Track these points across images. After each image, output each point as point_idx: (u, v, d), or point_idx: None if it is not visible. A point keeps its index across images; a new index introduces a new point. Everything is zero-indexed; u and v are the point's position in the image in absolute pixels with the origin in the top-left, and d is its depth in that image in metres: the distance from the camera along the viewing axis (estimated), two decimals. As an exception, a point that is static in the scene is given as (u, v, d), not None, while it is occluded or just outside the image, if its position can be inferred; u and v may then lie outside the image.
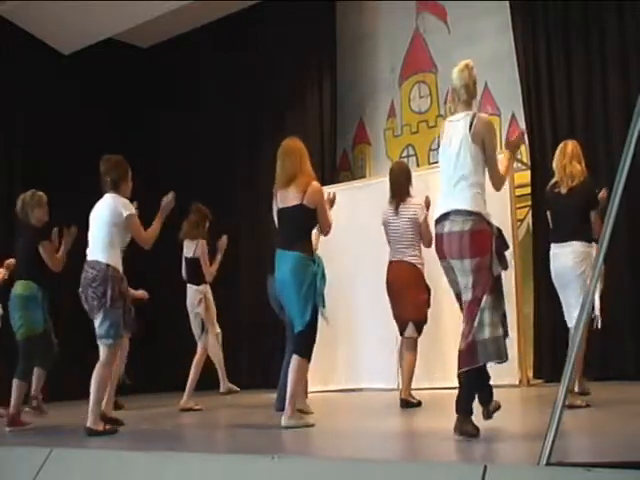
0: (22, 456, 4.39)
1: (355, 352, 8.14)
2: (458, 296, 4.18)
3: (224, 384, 7.29)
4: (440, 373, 7.15)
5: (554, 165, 5.61)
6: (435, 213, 4.24)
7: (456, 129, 4.19)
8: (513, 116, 8.44)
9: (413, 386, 7.33)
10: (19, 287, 6.26)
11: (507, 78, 8.33)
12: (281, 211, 5.08)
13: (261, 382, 8.87)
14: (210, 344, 7.13)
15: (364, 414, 5.60)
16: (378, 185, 8.20)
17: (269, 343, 8.32)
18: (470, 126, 4.13)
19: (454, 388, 6.55)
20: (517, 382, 7.07)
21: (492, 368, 7.27)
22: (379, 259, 7.54)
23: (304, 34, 9.79)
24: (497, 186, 4.27)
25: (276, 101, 10.01)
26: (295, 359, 4.95)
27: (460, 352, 3.98)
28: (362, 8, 9.69)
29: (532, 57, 8.04)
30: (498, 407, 4.14)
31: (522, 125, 8.25)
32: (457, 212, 4.05)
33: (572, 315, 5.14)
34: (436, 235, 4.21)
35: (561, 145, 5.70)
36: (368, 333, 8.03)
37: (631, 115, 2.75)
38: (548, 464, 2.64)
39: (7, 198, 9.69)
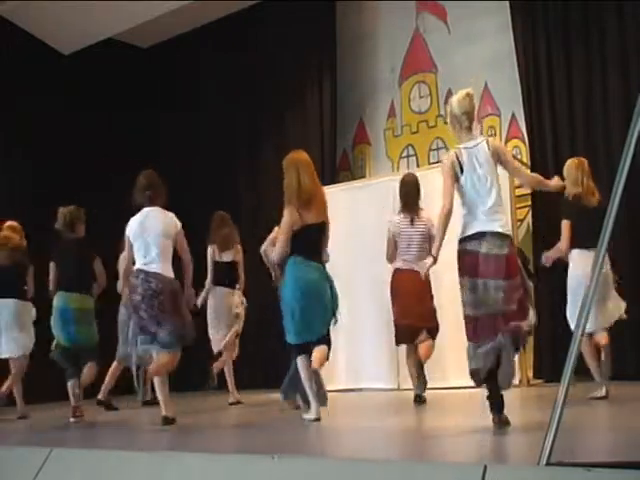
0: (22, 456, 4.39)
1: (355, 352, 8.13)
2: (471, 318, 4.30)
3: (234, 394, 7.34)
4: (440, 373, 7.15)
5: (573, 179, 5.82)
6: (465, 231, 4.36)
7: (477, 155, 4.41)
8: (513, 116, 8.44)
9: (412, 387, 7.32)
10: (77, 301, 6.47)
11: (507, 78, 8.32)
12: (307, 227, 5.19)
13: (261, 382, 8.87)
14: (230, 345, 7.35)
15: (364, 414, 5.60)
16: (378, 185, 8.22)
17: (270, 343, 8.30)
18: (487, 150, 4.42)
19: (454, 388, 6.60)
20: (517, 382, 7.07)
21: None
22: (379, 259, 7.54)
23: (304, 34, 9.78)
24: (535, 185, 5.00)
25: (276, 101, 10.01)
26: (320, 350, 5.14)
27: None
28: (362, 8, 9.68)
29: (532, 57, 8.04)
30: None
31: (522, 125, 8.26)
32: (495, 235, 4.29)
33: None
34: (468, 253, 4.31)
35: (576, 161, 5.97)
36: (368, 333, 8.03)
37: (631, 115, 2.75)
38: (548, 464, 2.64)
39: (7, 198, 9.70)
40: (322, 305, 5.17)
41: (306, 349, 5.15)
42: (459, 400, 6.58)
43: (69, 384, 6.40)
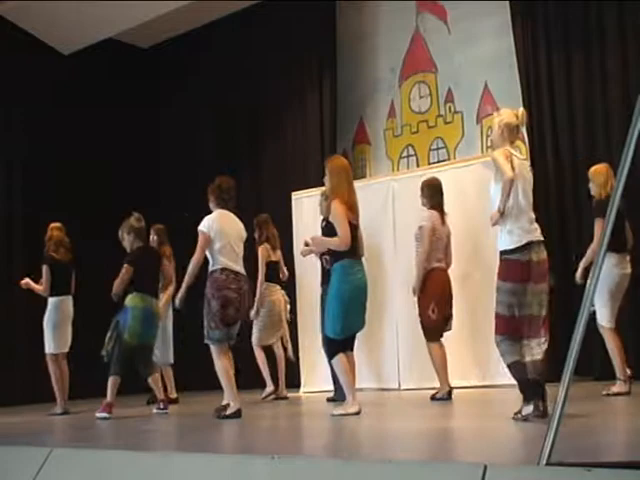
0: (22, 456, 4.39)
1: (356, 352, 8.11)
2: (509, 318, 4.55)
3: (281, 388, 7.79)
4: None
5: (603, 181, 6.01)
6: (514, 240, 4.57)
7: (525, 168, 4.81)
8: (513, 116, 8.42)
9: (413, 386, 7.35)
10: (155, 305, 6.88)
11: (507, 78, 8.32)
12: (352, 226, 5.48)
13: (261, 382, 8.85)
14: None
15: (364, 414, 5.59)
16: (378, 185, 8.21)
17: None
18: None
19: (454, 388, 6.59)
20: (517, 382, 7.07)
21: (492, 368, 7.29)
22: (379, 259, 7.57)
23: (304, 34, 9.78)
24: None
25: (276, 101, 10.01)
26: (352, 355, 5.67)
27: (542, 361, 4.50)
28: (362, 8, 9.68)
29: (532, 57, 8.04)
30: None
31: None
32: (540, 243, 4.64)
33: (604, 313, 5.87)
34: (520, 262, 4.54)
35: (603, 167, 6.12)
36: (369, 333, 8.01)
37: (631, 115, 2.75)
38: (548, 464, 2.64)
39: (7, 197, 9.71)
40: (364, 305, 5.57)
41: (347, 344, 5.58)
42: (459, 400, 6.58)
43: (113, 380, 6.60)
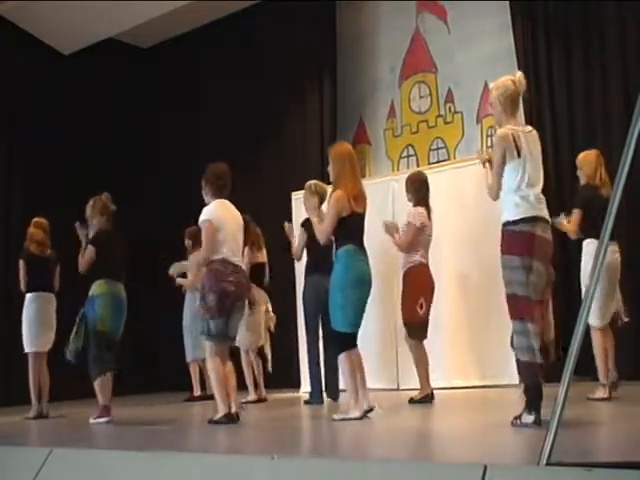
0: (22, 456, 4.39)
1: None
2: (532, 300, 4.26)
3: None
4: (440, 373, 7.14)
5: (589, 170, 5.85)
6: (517, 212, 4.33)
7: (532, 140, 4.47)
8: (513, 116, 8.43)
9: (412, 386, 7.33)
10: (123, 292, 6.50)
11: (507, 78, 8.31)
12: (356, 214, 5.28)
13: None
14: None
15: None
16: (378, 185, 8.20)
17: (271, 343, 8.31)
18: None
19: (454, 388, 6.59)
20: (517, 382, 7.06)
21: (492, 368, 7.29)
22: (379, 259, 7.55)
23: (304, 34, 9.78)
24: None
25: (276, 101, 10.01)
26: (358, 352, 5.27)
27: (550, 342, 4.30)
28: (362, 8, 9.68)
29: (532, 57, 8.04)
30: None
31: (522, 125, 8.25)
32: (547, 222, 4.40)
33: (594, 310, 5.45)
34: (527, 234, 4.30)
35: (594, 153, 5.95)
36: (368, 333, 8.01)
37: (631, 114, 2.75)
38: (548, 464, 2.64)
39: (7, 197, 9.71)
40: (366, 298, 5.29)
41: (354, 342, 5.24)
42: (459, 400, 6.58)
43: (100, 382, 6.15)
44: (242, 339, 7.46)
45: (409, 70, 9.29)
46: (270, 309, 7.68)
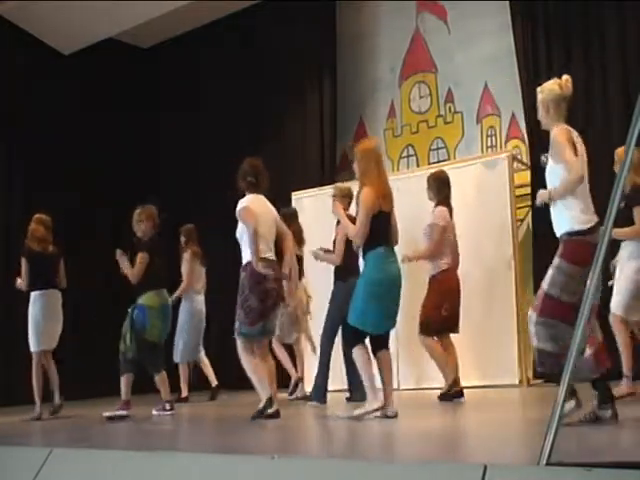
0: (22, 456, 4.39)
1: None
2: (573, 306, 4.02)
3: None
4: (439, 373, 7.14)
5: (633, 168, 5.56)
6: (586, 221, 4.18)
7: (581, 144, 4.29)
8: (513, 116, 8.44)
9: (412, 386, 7.34)
10: (168, 299, 6.80)
11: (507, 78, 8.32)
12: (385, 213, 5.22)
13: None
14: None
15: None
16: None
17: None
18: None
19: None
20: (517, 382, 7.07)
21: (492, 368, 7.28)
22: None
23: (304, 34, 9.78)
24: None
25: (276, 101, 10.01)
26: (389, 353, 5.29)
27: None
28: (362, 8, 9.69)
29: (532, 57, 8.04)
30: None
31: (522, 125, 8.26)
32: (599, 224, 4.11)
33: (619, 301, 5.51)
34: (594, 246, 3.93)
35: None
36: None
37: (631, 115, 2.75)
38: (548, 464, 2.64)
39: (7, 197, 9.70)
40: (397, 301, 5.22)
41: (363, 338, 5.18)
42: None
43: (127, 377, 6.42)
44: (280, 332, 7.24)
45: (409, 70, 9.30)
46: (309, 294, 7.55)
